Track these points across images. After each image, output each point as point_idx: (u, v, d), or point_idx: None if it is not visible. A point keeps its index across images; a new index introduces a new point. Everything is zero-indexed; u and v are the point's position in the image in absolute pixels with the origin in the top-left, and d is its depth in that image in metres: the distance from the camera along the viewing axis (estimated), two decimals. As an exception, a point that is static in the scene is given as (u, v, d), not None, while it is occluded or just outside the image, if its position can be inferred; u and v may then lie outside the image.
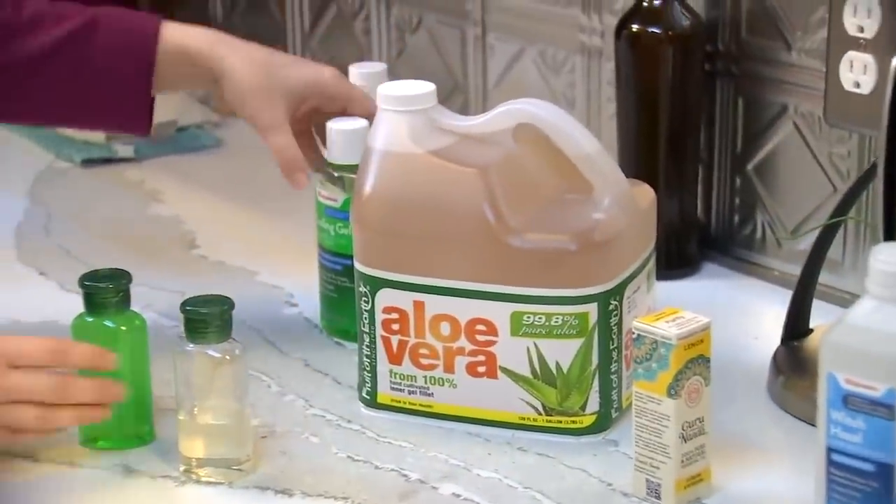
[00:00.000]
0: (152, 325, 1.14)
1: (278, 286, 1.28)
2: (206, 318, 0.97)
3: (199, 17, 1.73)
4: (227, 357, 0.98)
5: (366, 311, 1.04)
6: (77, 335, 1.02)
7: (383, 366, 1.04)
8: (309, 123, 1.15)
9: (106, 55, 1.12)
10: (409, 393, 1.04)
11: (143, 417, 1.03)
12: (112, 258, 1.30)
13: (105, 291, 1.02)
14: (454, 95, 1.47)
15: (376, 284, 1.03)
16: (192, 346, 0.97)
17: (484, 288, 1.00)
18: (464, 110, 1.45)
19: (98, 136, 1.55)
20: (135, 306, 1.13)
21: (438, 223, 1.01)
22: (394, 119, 1.02)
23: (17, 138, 1.60)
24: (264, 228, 1.41)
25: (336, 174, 1.13)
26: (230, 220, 1.42)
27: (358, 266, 1.04)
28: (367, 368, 1.05)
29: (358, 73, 1.23)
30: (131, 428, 1.03)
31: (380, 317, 1.03)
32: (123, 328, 1.02)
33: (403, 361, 1.04)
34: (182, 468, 0.99)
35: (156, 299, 1.22)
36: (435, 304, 1.02)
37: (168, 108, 1.57)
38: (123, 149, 1.55)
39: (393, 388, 1.05)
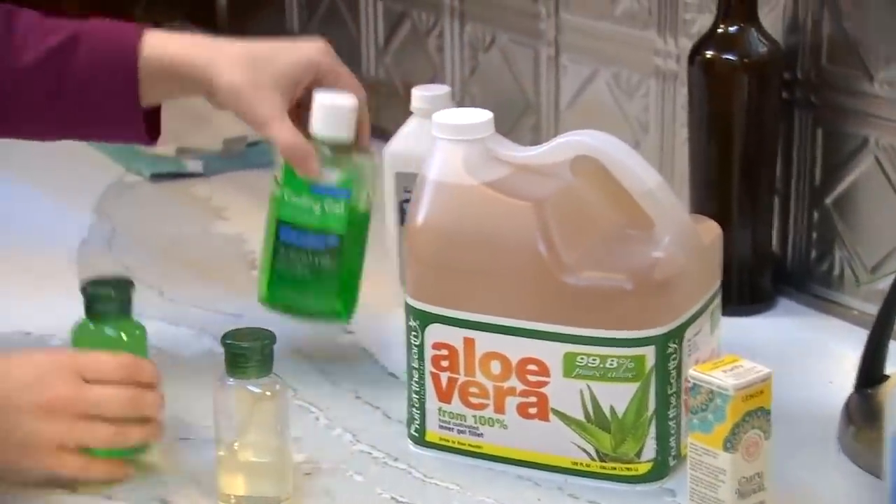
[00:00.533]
0: (206, 352, 1.13)
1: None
2: (247, 353, 0.94)
3: (275, 30, 1.72)
4: (268, 393, 0.95)
5: (415, 345, 1.01)
6: (77, 341, 1.02)
7: (432, 403, 1.01)
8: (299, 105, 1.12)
9: (89, 69, 1.10)
10: (459, 432, 1.01)
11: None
12: (170, 277, 1.31)
13: (107, 298, 1.02)
14: (526, 116, 1.44)
15: (426, 319, 1.00)
16: (231, 380, 0.95)
17: (536, 326, 0.97)
18: (535, 131, 1.43)
19: (168, 150, 1.54)
20: (189, 329, 1.12)
21: (491, 257, 0.98)
22: (449, 149, 0.99)
23: (91, 150, 1.58)
24: None
25: (331, 151, 1.09)
26: None
27: (408, 300, 1.01)
28: (416, 405, 1.02)
29: (421, 95, 1.21)
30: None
31: (429, 352, 1.01)
32: (124, 336, 1.02)
33: (453, 399, 1.01)
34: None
35: (210, 323, 1.20)
36: (485, 342, 0.99)
37: (238, 122, 1.56)
38: (193, 164, 1.54)
39: (442, 427, 1.02)
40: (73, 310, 1.22)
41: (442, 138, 1.00)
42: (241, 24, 1.79)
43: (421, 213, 1.00)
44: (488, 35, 1.48)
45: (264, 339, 0.96)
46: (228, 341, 0.95)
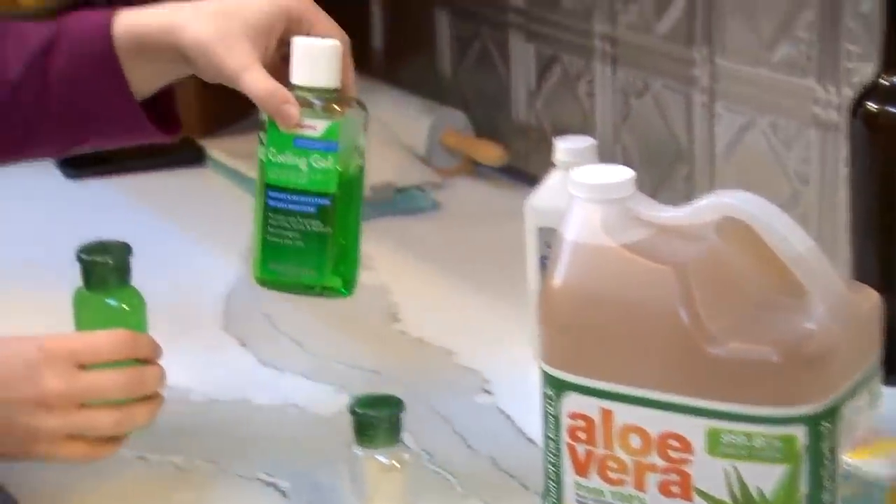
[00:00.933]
0: (344, 410, 1.11)
1: (475, 370, 1.22)
2: (374, 422, 0.93)
3: (427, 72, 1.73)
4: (397, 464, 0.94)
5: (551, 415, 0.97)
6: (78, 314, 1.01)
7: (569, 477, 0.97)
8: (283, 60, 1.05)
9: (70, 65, 1.06)
10: None
11: None
12: (311, 329, 1.30)
13: (104, 266, 1.00)
14: (678, 165, 1.40)
15: (562, 387, 0.96)
16: (359, 450, 0.93)
17: (678, 400, 0.92)
18: (688, 181, 1.39)
19: None
20: (329, 385, 1.10)
21: (629, 324, 0.94)
22: (587, 209, 0.96)
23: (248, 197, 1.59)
24: (470, 303, 1.36)
25: (314, 99, 1.01)
26: (436, 292, 1.37)
27: (543, 366, 0.97)
28: (553, 478, 0.98)
29: (564, 147, 1.17)
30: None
31: (565, 422, 0.96)
32: (126, 307, 1.01)
33: (590, 474, 0.96)
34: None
35: (351, 379, 1.19)
36: (624, 414, 0.94)
37: (386, 168, 1.58)
38: None
39: (579, 502, 0.97)
40: (211, 365, 1.21)
41: (580, 197, 0.96)
42: (393, 67, 1.80)
43: (556, 275, 0.96)
44: (640, 81, 1.44)
45: (393, 407, 0.94)
46: (357, 410, 0.94)
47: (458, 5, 1.68)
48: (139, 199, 1.30)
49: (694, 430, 0.92)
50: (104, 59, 1.05)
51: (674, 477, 0.93)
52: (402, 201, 1.55)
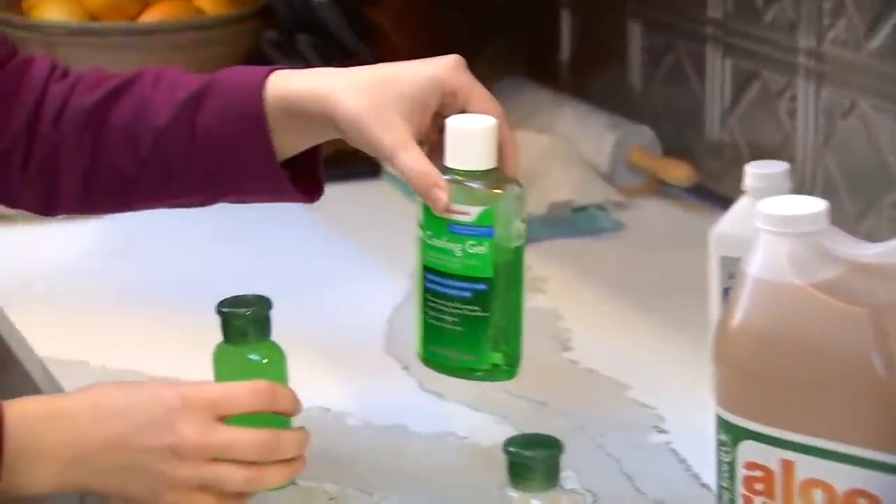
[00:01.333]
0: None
1: (650, 406, 1.18)
2: (530, 464, 0.89)
3: (617, 85, 1.71)
4: None
5: (726, 462, 0.92)
6: (218, 367, 1.03)
7: None
8: (440, 132, 1.03)
9: (217, 119, 1.07)
10: None
11: None
12: None
13: (244, 319, 1.02)
14: (886, 192, 1.34)
15: (739, 434, 0.91)
16: (513, 492, 0.90)
17: (869, 455, 0.87)
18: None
19: None
20: (490, 415, 1.08)
21: (817, 370, 0.88)
22: (774, 242, 0.90)
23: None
24: (649, 333, 1.31)
25: (467, 182, 1.00)
26: (613, 320, 1.34)
27: (718, 410, 0.92)
28: None
29: (754, 173, 1.11)
30: None
31: (741, 472, 0.91)
32: (265, 360, 1.03)
33: None
34: None
35: (516, 409, 1.15)
36: (807, 467, 0.89)
37: (565, 185, 1.57)
38: None
39: None
40: (377, 389, 1.19)
41: (767, 230, 0.91)
42: (582, 80, 1.79)
43: (737, 314, 0.91)
44: (847, 100, 1.39)
45: (552, 448, 0.90)
46: (511, 450, 0.90)
47: (652, 17, 1.67)
48: (312, 209, 1.28)
49: (887, 489, 0.87)
50: (252, 118, 1.06)
51: None
52: (580, 221, 1.52)
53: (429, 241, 1.03)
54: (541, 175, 1.57)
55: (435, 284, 1.03)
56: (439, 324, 1.04)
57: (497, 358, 1.02)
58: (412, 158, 1.00)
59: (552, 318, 1.33)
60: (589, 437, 1.09)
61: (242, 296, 1.04)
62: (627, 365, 1.24)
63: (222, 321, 1.02)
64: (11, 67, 1.13)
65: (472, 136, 1.00)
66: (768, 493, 0.91)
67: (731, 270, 1.09)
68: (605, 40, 1.74)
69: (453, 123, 1.01)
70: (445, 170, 1.01)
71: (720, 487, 0.94)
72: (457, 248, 1.01)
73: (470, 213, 1.00)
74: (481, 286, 1.01)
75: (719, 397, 0.93)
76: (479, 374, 1.04)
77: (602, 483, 1.06)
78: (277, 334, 1.05)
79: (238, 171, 1.07)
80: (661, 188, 1.61)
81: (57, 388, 1.27)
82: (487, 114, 1.02)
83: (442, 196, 0.99)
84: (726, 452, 0.92)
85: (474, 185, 1.00)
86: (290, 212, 1.39)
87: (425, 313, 1.04)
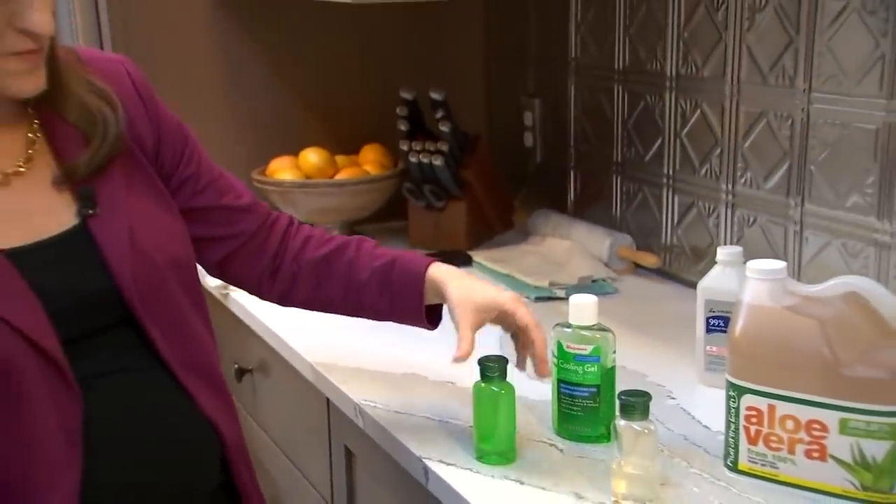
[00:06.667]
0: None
1: (663, 385, 1.18)
2: (635, 404, 0.93)
3: (605, 212, 1.64)
4: (646, 431, 0.93)
5: (733, 408, 0.96)
6: (476, 396, 1.00)
7: (743, 445, 0.96)
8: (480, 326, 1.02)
9: (399, 283, 1.05)
10: (762, 465, 0.95)
11: (512, 443, 1.01)
12: None
13: (493, 368, 1.00)
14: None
15: (741, 391, 0.95)
16: (623, 421, 0.93)
17: (821, 400, 0.91)
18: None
19: (543, 282, 1.49)
20: None
21: (788, 356, 0.93)
22: (758, 283, 0.95)
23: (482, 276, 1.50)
24: (646, 346, 1.28)
25: (583, 332, 1.02)
26: (623, 340, 1.21)
27: (729, 377, 0.96)
28: (732, 446, 0.97)
29: (723, 252, 1.15)
30: (507, 449, 1.01)
31: (743, 412, 0.95)
32: (502, 392, 1.00)
33: (758, 444, 0.95)
34: (612, 500, 0.93)
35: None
36: (783, 408, 0.93)
37: (586, 268, 1.54)
38: (559, 291, 1.48)
39: (750, 461, 0.96)
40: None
41: (753, 277, 0.96)
42: (584, 209, 1.71)
43: (740, 325, 0.95)
44: (751, 217, 1.37)
45: (645, 396, 0.93)
46: (623, 397, 0.93)
47: (628, 173, 1.59)
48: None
49: (831, 418, 0.90)
50: (416, 289, 1.04)
51: (815, 447, 0.92)
52: (595, 287, 1.50)
53: (561, 366, 1.04)
54: (570, 263, 1.57)
55: (566, 389, 1.04)
56: (570, 411, 1.04)
57: (603, 429, 1.03)
58: (465, 337, 0.99)
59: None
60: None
61: (492, 355, 1.01)
62: (642, 363, 1.22)
63: (480, 369, 1.00)
64: (266, 223, 1.09)
65: (586, 306, 1.02)
66: (759, 423, 0.94)
67: (711, 307, 1.15)
68: (599, 187, 1.67)
69: (574, 300, 1.02)
70: (569, 325, 1.02)
71: (728, 421, 0.96)
72: (579, 369, 1.03)
73: (586, 349, 1.02)
74: (594, 389, 1.02)
75: (730, 370, 0.96)
76: (592, 439, 1.04)
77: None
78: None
79: (400, 313, 1.06)
80: (637, 270, 1.57)
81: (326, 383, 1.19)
82: (527, 324, 1.01)
83: (458, 360, 0.98)
84: (733, 401, 0.95)
85: (587, 332, 1.02)
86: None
87: (560, 405, 1.05)
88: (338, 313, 1.10)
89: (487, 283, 1.05)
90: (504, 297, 1.02)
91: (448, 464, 1.00)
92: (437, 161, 1.63)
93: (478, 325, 1.00)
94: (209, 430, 0.96)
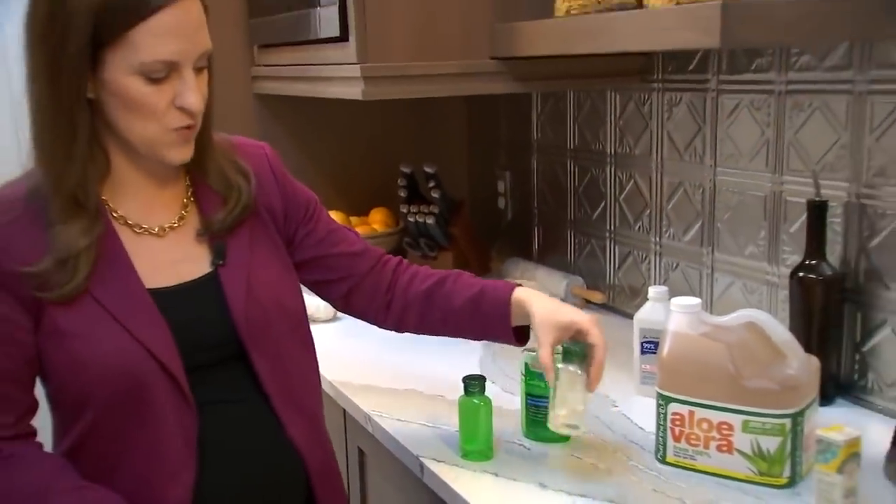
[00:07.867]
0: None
1: (609, 396, 1.17)
2: (574, 351, 0.92)
3: (562, 259, 1.64)
4: (579, 372, 0.93)
5: (662, 413, 0.98)
6: (461, 406, 0.99)
7: (670, 442, 0.98)
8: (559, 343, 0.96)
9: (489, 308, 0.99)
10: (684, 458, 0.97)
11: (490, 444, 1.00)
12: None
13: (474, 384, 0.99)
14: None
15: (668, 400, 0.97)
16: (562, 364, 0.93)
17: (728, 406, 0.93)
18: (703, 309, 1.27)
19: None
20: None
21: (703, 372, 0.95)
22: (680, 316, 0.98)
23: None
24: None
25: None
26: None
27: (658, 389, 0.98)
28: (661, 443, 0.99)
29: (653, 290, 1.15)
30: (485, 449, 1.00)
31: (669, 417, 0.97)
32: (482, 403, 0.99)
33: (681, 441, 0.97)
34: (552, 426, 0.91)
35: None
36: (700, 413, 0.95)
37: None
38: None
39: (675, 455, 0.98)
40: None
41: (677, 311, 0.98)
42: (546, 258, 1.68)
43: (666, 348, 0.97)
44: (674, 263, 1.38)
45: (583, 348, 0.91)
46: (565, 344, 0.92)
47: (581, 229, 1.58)
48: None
49: (736, 420, 0.92)
50: (504, 313, 0.98)
51: (724, 443, 0.94)
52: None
53: (529, 382, 1.02)
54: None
55: (532, 401, 1.03)
56: (535, 418, 1.03)
57: (565, 434, 0.97)
58: (544, 354, 0.94)
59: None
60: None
61: (474, 375, 1.01)
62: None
63: (465, 385, 0.99)
64: (378, 264, 1.04)
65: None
66: (682, 425, 0.96)
67: (644, 334, 1.16)
68: (557, 239, 1.65)
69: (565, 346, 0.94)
70: (534, 349, 0.96)
71: (658, 424, 0.97)
72: (542, 384, 1.02)
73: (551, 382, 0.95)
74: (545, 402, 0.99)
75: (659, 384, 0.97)
76: (553, 439, 1.02)
77: (597, 426, 1.07)
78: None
79: (492, 335, 1.00)
80: (588, 305, 1.54)
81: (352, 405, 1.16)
82: (595, 345, 0.94)
83: (550, 377, 0.94)
84: (662, 408, 0.97)
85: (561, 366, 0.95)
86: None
87: (528, 413, 1.03)
88: (445, 336, 1.04)
89: (569, 305, 0.98)
90: (582, 317, 0.95)
91: (439, 461, 1.00)
92: (430, 220, 1.65)
93: (556, 342, 0.94)
94: (295, 457, 0.91)
